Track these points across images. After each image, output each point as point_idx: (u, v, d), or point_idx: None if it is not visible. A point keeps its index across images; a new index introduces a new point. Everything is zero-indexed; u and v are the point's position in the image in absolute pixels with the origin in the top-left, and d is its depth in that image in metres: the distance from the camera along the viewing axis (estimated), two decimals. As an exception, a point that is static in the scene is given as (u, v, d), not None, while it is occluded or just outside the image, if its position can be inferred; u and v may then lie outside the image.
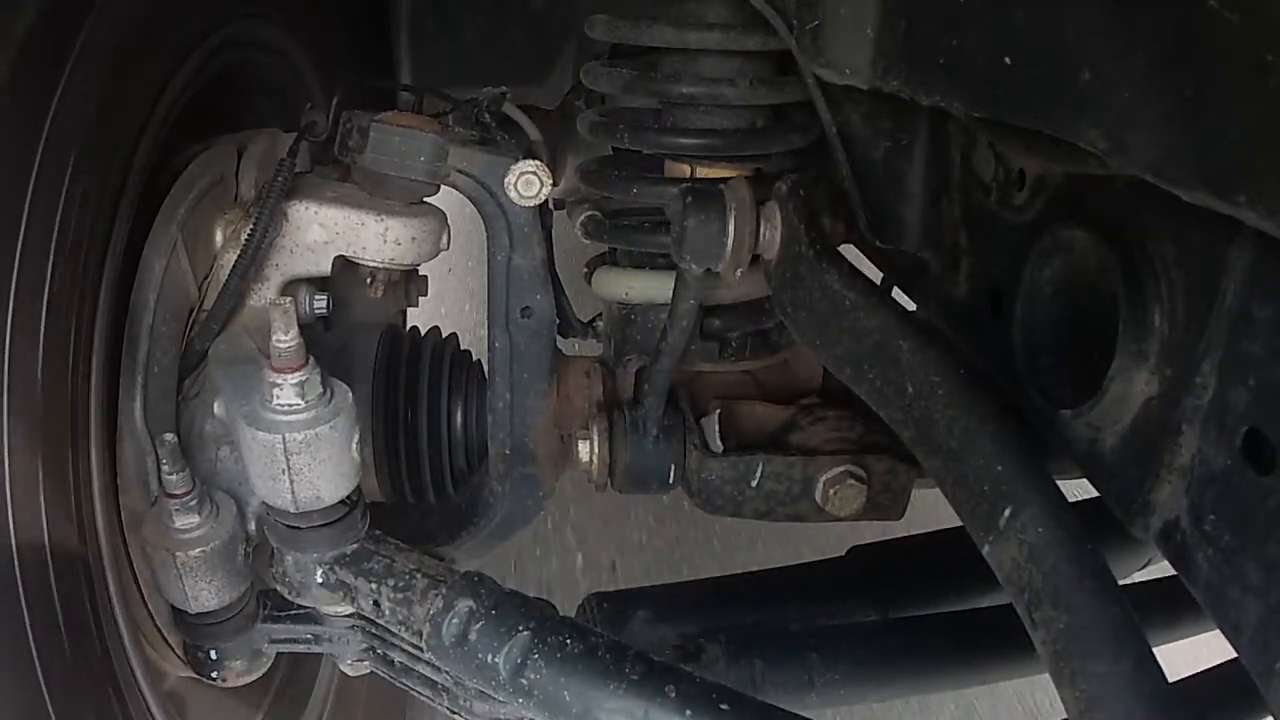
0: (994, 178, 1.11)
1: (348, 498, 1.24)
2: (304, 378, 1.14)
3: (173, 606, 1.29)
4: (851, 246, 1.56)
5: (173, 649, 1.33)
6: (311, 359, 1.15)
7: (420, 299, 1.75)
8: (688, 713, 1.10)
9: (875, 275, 1.23)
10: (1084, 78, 0.73)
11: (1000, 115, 0.83)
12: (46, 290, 1.00)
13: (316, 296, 1.46)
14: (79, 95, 1.02)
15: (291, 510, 1.20)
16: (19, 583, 0.97)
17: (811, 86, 1.25)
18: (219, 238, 1.39)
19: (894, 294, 1.52)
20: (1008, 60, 0.80)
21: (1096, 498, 1.63)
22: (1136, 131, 0.69)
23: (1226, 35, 0.60)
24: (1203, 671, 1.64)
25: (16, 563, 0.97)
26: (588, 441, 1.53)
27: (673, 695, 1.11)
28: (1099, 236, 0.88)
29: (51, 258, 1.01)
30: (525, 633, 1.16)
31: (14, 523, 0.97)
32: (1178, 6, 0.64)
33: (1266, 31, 0.58)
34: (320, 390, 1.16)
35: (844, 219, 1.38)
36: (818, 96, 1.26)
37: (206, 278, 1.37)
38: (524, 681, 1.14)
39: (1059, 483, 0.94)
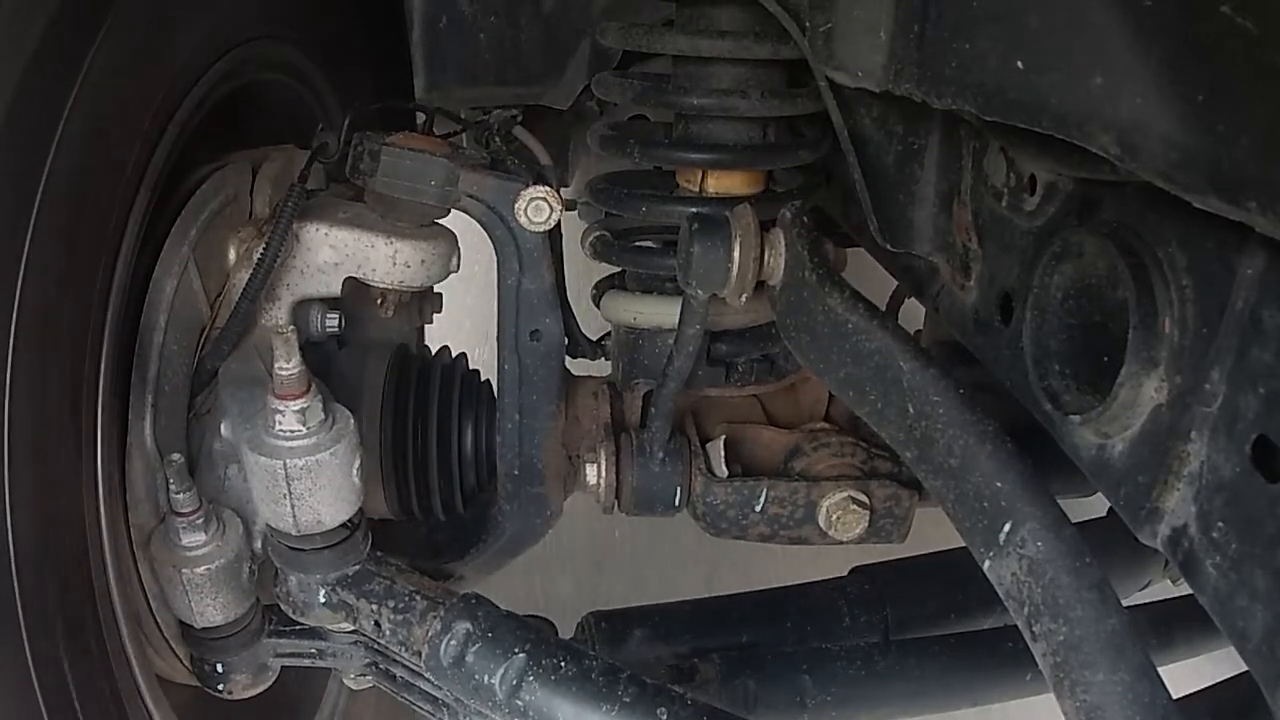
0: (1005, 182, 1.11)
1: (349, 520, 1.24)
2: (306, 404, 1.15)
3: (179, 621, 1.29)
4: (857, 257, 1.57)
5: (181, 660, 1.33)
6: (314, 385, 1.16)
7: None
8: (678, 735, 1.12)
9: (876, 298, 1.24)
10: (1096, 82, 0.74)
11: (1012, 119, 0.83)
12: (49, 309, 1.00)
13: (329, 315, 1.47)
14: (88, 111, 1.02)
15: (293, 533, 1.21)
16: (16, 593, 0.97)
17: (823, 89, 1.26)
18: (232, 255, 1.39)
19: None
20: (1020, 64, 0.81)
21: (1096, 519, 1.64)
22: (1148, 137, 0.70)
23: (1239, 41, 0.61)
24: (1200, 690, 1.64)
25: (15, 574, 0.96)
26: (595, 464, 1.53)
27: (664, 717, 1.14)
28: (1110, 242, 0.88)
29: (56, 276, 1.01)
30: (521, 655, 1.18)
31: (13, 536, 0.96)
32: (1191, 12, 0.64)
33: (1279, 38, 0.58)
34: (322, 417, 1.18)
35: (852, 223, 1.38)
36: (829, 99, 1.27)
37: (219, 296, 1.37)
38: (519, 703, 1.16)
39: (1063, 502, 0.95)
